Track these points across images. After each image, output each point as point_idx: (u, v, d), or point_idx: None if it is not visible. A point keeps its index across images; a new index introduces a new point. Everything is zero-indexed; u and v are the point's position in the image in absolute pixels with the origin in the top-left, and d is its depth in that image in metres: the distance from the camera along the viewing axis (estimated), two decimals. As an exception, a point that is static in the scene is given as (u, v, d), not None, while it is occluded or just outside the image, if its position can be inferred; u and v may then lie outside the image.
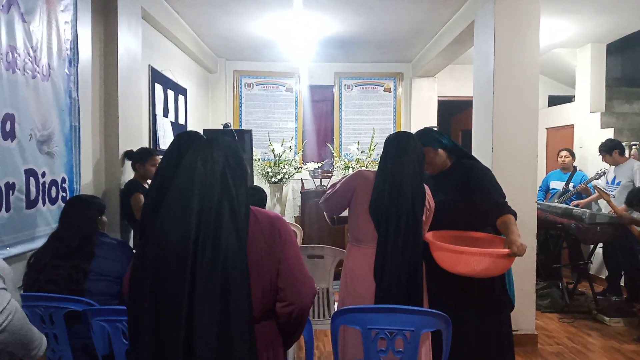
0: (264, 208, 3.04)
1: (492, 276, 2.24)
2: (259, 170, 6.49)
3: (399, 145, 2.24)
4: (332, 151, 6.87)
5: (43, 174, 2.66)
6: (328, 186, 2.53)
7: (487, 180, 2.47)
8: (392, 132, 6.88)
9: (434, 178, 2.59)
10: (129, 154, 3.51)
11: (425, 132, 2.67)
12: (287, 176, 6.39)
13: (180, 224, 1.28)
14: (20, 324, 1.47)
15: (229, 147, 1.40)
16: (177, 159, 1.53)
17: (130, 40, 3.60)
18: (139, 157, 3.46)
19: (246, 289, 1.29)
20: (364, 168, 2.21)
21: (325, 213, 2.60)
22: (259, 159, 6.54)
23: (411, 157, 2.19)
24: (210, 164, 1.34)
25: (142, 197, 3.29)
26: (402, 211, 2.11)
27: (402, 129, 6.96)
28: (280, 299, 1.42)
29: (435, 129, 6.59)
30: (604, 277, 5.13)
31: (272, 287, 1.41)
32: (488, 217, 2.37)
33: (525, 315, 3.77)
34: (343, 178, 2.40)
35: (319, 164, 6.67)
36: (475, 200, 2.39)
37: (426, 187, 2.26)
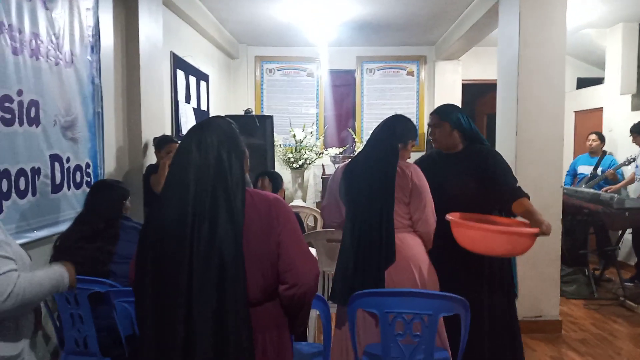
0: (277, 193, 3.07)
1: (513, 255, 2.25)
2: (281, 156, 6.50)
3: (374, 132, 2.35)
4: (354, 136, 6.83)
5: (67, 159, 2.71)
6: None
7: (503, 165, 2.47)
8: (415, 116, 6.95)
9: (444, 159, 2.57)
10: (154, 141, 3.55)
11: (451, 108, 2.63)
12: (308, 162, 6.40)
13: (177, 209, 1.31)
14: (33, 293, 1.51)
15: (221, 128, 1.40)
16: None
17: (151, 26, 3.63)
18: (156, 144, 3.49)
19: (242, 274, 1.29)
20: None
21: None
22: (280, 145, 6.55)
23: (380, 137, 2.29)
24: (204, 146, 1.34)
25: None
26: (367, 177, 2.18)
27: (425, 113, 6.88)
28: (282, 281, 1.41)
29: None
30: (633, 264, 5.01)
31: (272, 270, 1.39)
32: (501, 201, 2.35)
33: (549, 301, 3.71)
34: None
35: (340, 150, 6.65)
36: (490, 184, 2.37)
37: (415, 166, 2.25)
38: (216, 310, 1.26)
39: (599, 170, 5.23)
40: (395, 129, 2.28)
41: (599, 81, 6.27)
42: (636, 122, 4.85)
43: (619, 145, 5.63)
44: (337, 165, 6.04)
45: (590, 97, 6.31)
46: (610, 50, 5.72)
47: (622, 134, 5.29)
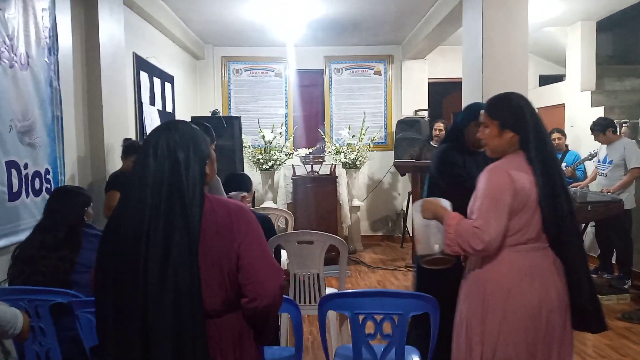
0: (244, 196, 2.99)
1: None
2: (250, 157, 6.44)
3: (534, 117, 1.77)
4: (323, 136, 6.82)
5: (25, 166, 2.61)
6: (446, 221, 1.73)
7: None
8: (382, 115, 6.99)
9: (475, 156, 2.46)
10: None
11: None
12: (278, 163, 6.35)
13: (135, 213, 1.28)
14: None
15: (180, 130, 1.36)
16: None
17: (112, 27, 3.53)
18: (124, 150, 3.34)
19: (196, 285, 1.26)
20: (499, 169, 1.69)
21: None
22: (249, 146, 6.48)
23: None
24: (160, 149, 1.31)
25: (117, 196, 3.16)
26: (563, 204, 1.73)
27: (393, 112, 6.92)
28: (243, 294, 1.36)
29: (426, 110, 6.59)
30: (596, 256, 5.16)
31: (231, 281, 1.34)
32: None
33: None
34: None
35: (310, 150, 6.63)
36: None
37: None
38: (173, 324, 1.23)
39: (563, 165, 5.36)
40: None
41: (560, 78, 6.44)
42: (595, 118, 4.99)
43: (581, 139, 5.79)
44: (308, 167, 6.02)
45: (553, 94, 6.47)
46: (570, 48, 5.88)
47: (583, 129, 5.44)
